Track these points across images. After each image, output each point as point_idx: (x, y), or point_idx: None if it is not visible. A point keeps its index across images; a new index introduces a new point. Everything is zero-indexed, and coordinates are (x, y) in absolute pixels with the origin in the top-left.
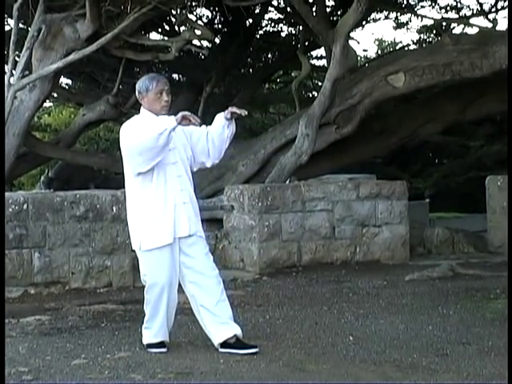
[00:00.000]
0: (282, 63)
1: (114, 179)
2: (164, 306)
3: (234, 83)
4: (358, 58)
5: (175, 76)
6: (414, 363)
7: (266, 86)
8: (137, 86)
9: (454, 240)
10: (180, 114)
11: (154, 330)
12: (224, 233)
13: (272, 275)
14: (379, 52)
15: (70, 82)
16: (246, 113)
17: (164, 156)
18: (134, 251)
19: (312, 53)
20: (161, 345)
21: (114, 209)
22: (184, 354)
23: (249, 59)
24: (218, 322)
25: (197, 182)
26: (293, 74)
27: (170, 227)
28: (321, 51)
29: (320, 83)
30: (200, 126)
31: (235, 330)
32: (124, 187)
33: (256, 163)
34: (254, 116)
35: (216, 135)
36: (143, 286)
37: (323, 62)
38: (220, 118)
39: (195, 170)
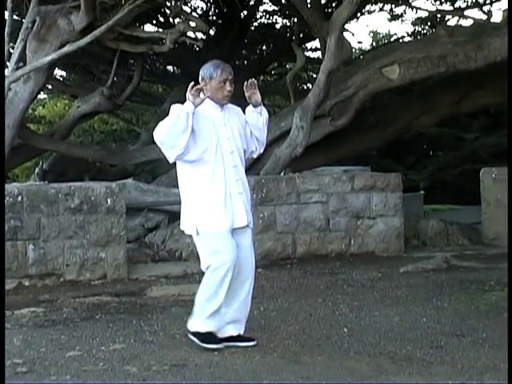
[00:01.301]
0: (276, 55)
1: (109, 171)
2: (225, 291)
3: None
4: (353, 50)
5: (170, 68)
6: (409, 355)
7: (261, 77)
8: (201, 72)
9: (448, 232)
10: (188, 92)
11: (207, 313)
12: None
13: (267, 267)
14: (374, 44)
15: (64, 73)
16: (254, 81)
17: (222, 145)
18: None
19: (307, 45)
20: (216, 339)
21: (109, 201)
22: (178, 346)
23: (243, 51)
24: (229, 320)
25: None
26: (287, 66)
27: (228, 216)
28: (315, 43)
29: (315, 75)
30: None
31: (239, 330)
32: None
33: None
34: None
35: (253, 128)
36: (137, 278)
37: (318, 54)
38: (249, 109)
39: (247, 157)
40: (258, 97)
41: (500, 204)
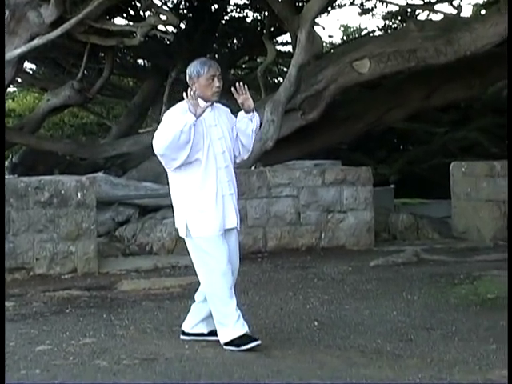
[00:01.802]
0: (247, 49)
1: (79, 165)
2: (231, 292)
3: None
4: (324, 44)
5: (140, 61)
6: (379, 348)
7: (232, 71)
8: (187, 71)
9: (418, 226)
10: (188, 103)
11: (232, 318)
12: None
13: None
14: (344, 38)
15: (34, 67)
16: (244, 86)
17: (213, 146)
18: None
19: (277, 39)
20: (251, 338)
21: (79, 195)
22: (149, 340)
23: (214, 45)
24: (203, 317)
25: (163, 167)
26: (258, 60)
27: (220, 217)
28: (286, 37)
29: (285, 69)
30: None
31: (212, 327)
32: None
33: None
34: (220, 101)
35: (241, 132)
36: (108, 272)
37: (289, 48)
38: (241, 115)
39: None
40: (250, 102)
41: (469, 198)
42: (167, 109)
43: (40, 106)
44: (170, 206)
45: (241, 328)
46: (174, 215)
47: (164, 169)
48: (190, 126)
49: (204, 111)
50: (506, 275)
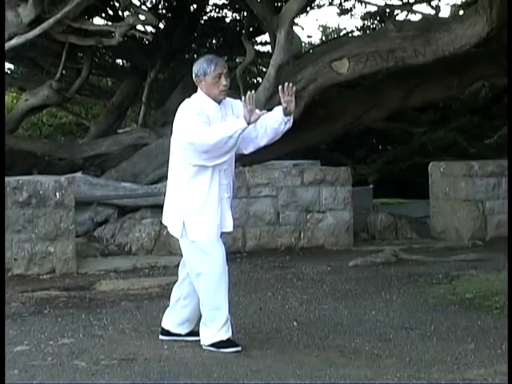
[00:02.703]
0: (226, 49)
1: (58, 165)
2: (225, 296)
3: (178, 69)
4: (303, 44)
5: (119, 61)
6: (358, 348)
7: None
8: (194, 69)
9: (397, 226)
10: (247, 112)
11: (219, 324)
12: None
13: None
14: (323, 38)
15: (12, 66)
16: (294, 88)
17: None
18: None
19: (257, 39)
20: (233, 343)
21: (58, 195)
22: (128, 341)
23: (193, 45)
24: (184, 320)
25: (141, 167)
26: (237, 60)
27: (217, 223)
28: (265, 37)
29: (264, 69)
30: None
31: (190, 328)
32: (68, 172)
33: None
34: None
35: (270, 127)
36: (87, 273)
37: (268, 48)
38: (279, 112)
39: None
40: (292, 105)
41: (448, 198)
42: (146, 109)
43: (18, 106)
44: (149, 207)
45: (225, 333)
46: (156, 215)
47: (142, 169)
48: (240, 133)
49: (258, 118)
50: (484, 275)
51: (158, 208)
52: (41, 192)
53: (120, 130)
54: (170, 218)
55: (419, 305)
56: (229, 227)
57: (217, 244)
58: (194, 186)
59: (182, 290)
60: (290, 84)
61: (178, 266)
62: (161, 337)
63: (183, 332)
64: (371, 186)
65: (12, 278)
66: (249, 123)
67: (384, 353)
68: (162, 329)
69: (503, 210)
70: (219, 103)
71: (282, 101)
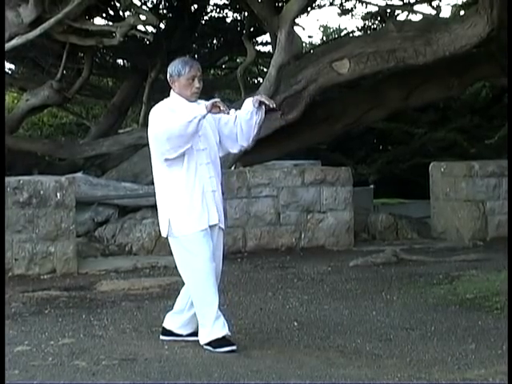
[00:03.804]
0: (227, 49)
1: (58, 165)
2: (213, 291)
3: None
4: (303, 44)
5: (120, 61)
6: (358, 348)
7: (212, 71)
8: (168, 69)
9: (397, 226)
10: (210, 102)
11: (210, 319)
12: None
13: None
14: (324, 38)
15: (13, 66)
16: (274, 105)
17: (194, 142)
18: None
19: (257, 39)
20: (228, 342)
21: (58, 195)
22: (128, 341)
23: (194, 45)
24: (193, 315)
25: (142, 167)
26: (238, 60)
27: (202, 215)
28: (266, 37)
29: (265, 69)
30: (229, 113)
31: (194, 329)
32: (65, 173)
33: None
34: (199, 102)
35: (244, 121)
36: (87, 273)
37: (268, 48)
38: (248, 104)
39: (221, 155)
40: (259, 97)
41: (448, 198)
42: (147, 109)
43: (19, 106)
44: (149, 207)
45: (220, 330)
46: (157, 215)
47: (143, 169)
48: (200, 119)
49: (218, 112)
50: (484, 275)
51: None
52: (41, 192)
53: (121, 130)
54: (160, 219)
55: (420, 305)
56: (213, 221)
57: (201, 239)
58: (172, 182)
59: (189, 294)
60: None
61: None
62: (162, 337)
63: (185, 332)
64: (372, 187)
65: (12, 278)
66: (209, 111)
67: (384, 353)
68: (164, 329)
69: (504, 210)
70: (191, 103)
71: (256, 98)
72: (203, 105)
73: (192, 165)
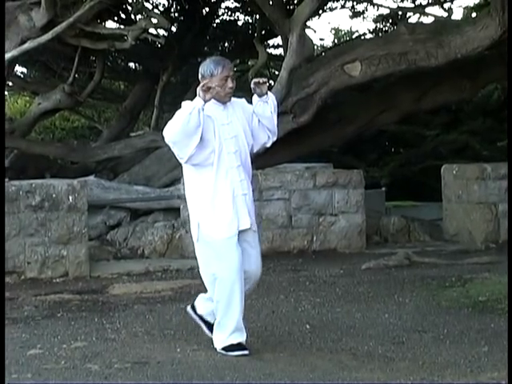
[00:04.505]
0: (238, 52)
1: (70, 168)
2: (238, 300)
3: (190, 72)
4: (315, 47)
5: (131, 65)
6: (370, 351)
7: None
8: (200, 70)
9: (409, 228)
10: (199, 88)
11: (229, 328)
12: (181, 222)
13: None
14: (336, 41)
15: (25, 70)
16: (261, 80)
17: (225, 145)
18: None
19: (269, 42)
20: (241, 347)
21: (70, 198)
22: (140, 344)
23: (205, 48)
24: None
25: (154, 171)
26: (250, 63)
27: (232, 220)
28: (277, 40)
29: (277, 72)
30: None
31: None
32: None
33: None
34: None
35: (262, 117)
36: (99, 276)
37: (280, 51)
38: (255, 100)
39: (256, 150)
40: (263, 87)
41: (461, 200)
42: (158, 112)
43: (31, 110)
44: (161, 210)
45: (237, 337)
46: (168, 218)
47: (154, 172)
48: (199, 109)
49: (212, 96)
50: (497, 278)
51: (171, 211)
52: (53, 195)
53: (132, 134)
54: (190, 223)
55: (432, 308)
56: (245, 225)
57: (230, 246)
58: (202, 186)
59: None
60: (264, 79)
61: (191, 269)
62: (188, 309)
63: (212, 321)
64: (384, 189)
65: (25, 281)
66: (204, 100)
67: (397, 356)
68: (193, 307)
69: None
70: (224, 104)
71: (252, 87)
72: (198, 96)
73: (222, 168)
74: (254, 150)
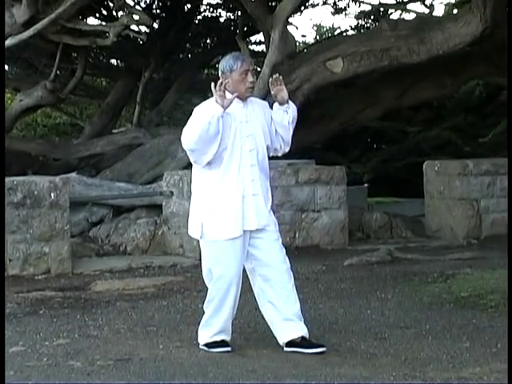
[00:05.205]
0: (220, 48)
1: (52, 165)
2: (230, 302)
3: (172, 69)
4: (297, 43)
5: (113, 61)
6: (353, 347)
7: (205, 71)
8: (220, 66)
9: (392, 225)
10: (216, 93)
11: (216, 327)
12: (163, 219)
13: None
14: (318, 38)
15: (6, 67)
16: (280, 77)
17: (241, 143)
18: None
19: (251, 38)
20: (224, 344)
21: (52, 195)
22: (123, 341)
23: (187, 44)
24: (284, 320)
25: (136, 167)
26: None
27: (237, 220)
28: (260, 37)
29: (259, 68)
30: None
31: (302, 330)
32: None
33: None
34: (194, 102)
35: (278, 126)
36: (82, 273)
37: (262, 48)
38: (275, 106)
39: (271, 155)
40: (284, 93)
41: (443, 196)
42: (141, 109)
43: (12, 107)
44: (144, 207)
45: (222, 336)
46: (150, 215)
47: (137, 168)
48: (218, 117)
49: (231, 102)
50: (479, 273)
51: (153, 208)
52: (35, 192)
53: (115, 130)
54: (190, 219)
55: (414, 304)
56: (251, 226)
57: (231, 247)
58: (209, 184)
59: (260, 299)
60: (277, 74)
61: (173, 266)
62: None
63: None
64: (366, 185)
65: (7, 278)
66: (223, 107)
67: (379, 352)
68: (286, 344)
69: (498, 208)
70: (244, 101)
71: (272, 92)
72: (215, 103)
73: (234, 167)
74: (270, 155)
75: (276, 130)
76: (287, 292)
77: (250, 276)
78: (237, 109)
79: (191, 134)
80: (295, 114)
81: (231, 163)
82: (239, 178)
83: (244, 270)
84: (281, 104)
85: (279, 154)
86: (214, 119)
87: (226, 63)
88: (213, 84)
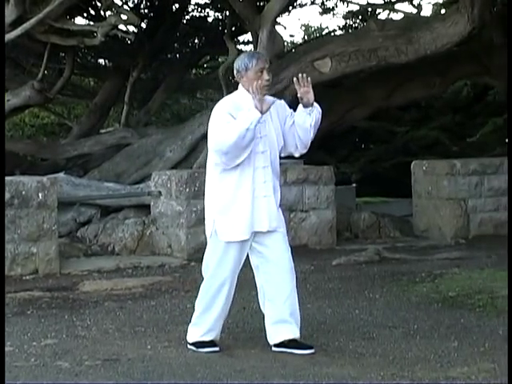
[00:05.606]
0: (208, 48)
1: (40, 165)
2: (221, 302)
3: (160, 68)
4: (285, 43)
5: (101, 61)
6: (341, 347)
7: (193, 71)
8: (235, 65)
9: (380, 224)
10: (258, 104)
11: (205, 326)
12: (151, 219)
13: (200, 261)
14: (306, 37)
15: None
16: (308, 78)
17: (255, 144)
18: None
19: (239, 38)
20: (212, 344)
21: (40, 195)
22: (111, 341)
23: (176, 44)
24: (279, 321)
25: (124, 167)
26: (220, 60)
27: (247, 223)
28: (248, 36)
29: None
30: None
31: (294, 334)
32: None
33: (184, 149)
34: (182, 101)
35: (299, 126)
36: (70, 273)
37: (250, 48)
38: (300, 108)
39: (283, 155)
40: (310, 96)
41: (430, 196)
42: (129, 109)
43: None
44: (132, 207)
45: (211, 336)
46: (138, 215)
47: (125, 168)
48: (256, 123)
49: (270, 107)
50: (466, 273)
51: (141, 208)
52: (23, 192)
53: (103, 130)
54: (206, 218)
55: (402, 303)
56: (262, 228)
57: (238, 247)
58: (223, 184)
59: (262, 296)
60: (305, 75)
61: (161, 266)
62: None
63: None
64: (354, 185)
65: None
66: (262, 112)
67: (367, 351)
68: (275, 345)
69: (486, 208)
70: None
71: (298, 93)
72: (254, 109)
73: (247, 168)
74: (282, 155)
75: (292, 128)
76: (287, 292)
77: (254, 273)
78: (240, 118)
79: (226, 138)
80: (319, 116)
81: (246, 165)
82: (251, 180)
83: (241, 270)
84: (305, 106)
85: (296, 155)
86: (253, 125)
87: (241, 62)
88: (250, 88)
